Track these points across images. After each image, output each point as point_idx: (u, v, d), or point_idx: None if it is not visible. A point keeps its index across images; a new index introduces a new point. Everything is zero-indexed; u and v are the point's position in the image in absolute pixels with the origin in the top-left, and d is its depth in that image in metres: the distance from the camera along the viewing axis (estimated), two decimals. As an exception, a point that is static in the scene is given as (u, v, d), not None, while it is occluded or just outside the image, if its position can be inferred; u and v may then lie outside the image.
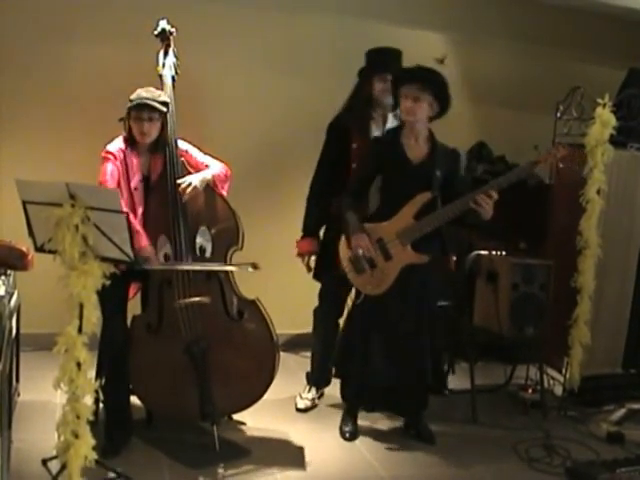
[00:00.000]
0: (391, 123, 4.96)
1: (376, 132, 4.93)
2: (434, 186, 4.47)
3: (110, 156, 4.30)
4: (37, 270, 4.36)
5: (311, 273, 5.10)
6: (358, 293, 4.64)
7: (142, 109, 4.28)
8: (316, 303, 5.16)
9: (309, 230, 5.08)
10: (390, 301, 4.52)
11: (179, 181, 4.38)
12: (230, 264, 4.44)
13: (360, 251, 4.49)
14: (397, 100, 4.55)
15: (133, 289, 4.53)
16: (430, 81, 4.44)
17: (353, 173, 4.78)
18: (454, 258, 5.24)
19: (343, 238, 4.60)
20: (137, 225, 4.22)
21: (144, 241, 4.22)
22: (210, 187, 4.46)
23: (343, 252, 4.60)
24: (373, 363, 4.60)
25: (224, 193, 4.53)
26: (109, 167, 4.28)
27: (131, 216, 4.12)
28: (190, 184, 4.37)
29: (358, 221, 4.53)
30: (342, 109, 5.01)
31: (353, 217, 4.54)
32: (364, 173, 4.67)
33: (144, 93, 4.31)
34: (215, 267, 4.40)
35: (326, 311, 5.13)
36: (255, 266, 4.24)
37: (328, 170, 5.01)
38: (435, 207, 4.52)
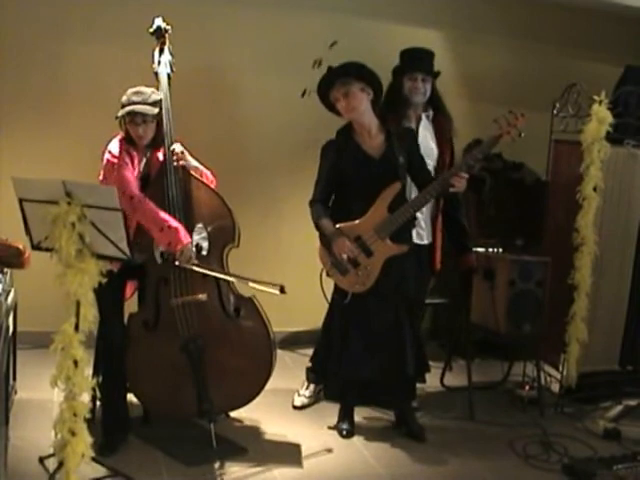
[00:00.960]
0: (424, 123, 4.98)
1: None
2: (401, 175, 4.49)
3: (119, 160, 4.29)
4: (34, 268, 4.36)
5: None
6: (343, 293, 4.61)
7: (134, 115, 4.28)
8: (312, 302, 5.14)
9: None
10: (369, 295, 4.53)
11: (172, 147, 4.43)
12: (256, 280, 4.26)
13: (344, 256, 4.49)
14: (336, 111, 4.56)
15: (130, 289, 4.53)
16: (348, 72, 4.44)
17: (316, 181, 4.71)
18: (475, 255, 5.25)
19: (320, 245, 4.60)
20: (174, 220, 4.23)
21: (188, 237, 4.23)
22: (206, 185, 4.47)
23: (324, 258, 4.60)
24: (353, 358, 4.61)
25: None
26: (127, 174, 4.27)
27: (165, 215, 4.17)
28: (182, 150, 4.43)
29: (333, 226, 4.52)
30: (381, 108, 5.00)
31: (328, 224, 4.53)
32: (326, 178, 4.63)
33: (134, 97, 4.29)
34: (244, 278, 4.32)
35: (337, 308, 5.11)
36: (283, 290, 4.10)
37: None
38: (404, 195, 4.54)
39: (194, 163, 4.49)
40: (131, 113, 4.27)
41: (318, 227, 4.59)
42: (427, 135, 4.99)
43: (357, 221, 4.50)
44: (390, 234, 4.47)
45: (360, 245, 4.49)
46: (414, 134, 4.77)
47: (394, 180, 4.46)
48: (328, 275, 4.60)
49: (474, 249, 5.29)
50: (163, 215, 4.21)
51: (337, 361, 4.68)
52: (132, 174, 4.30)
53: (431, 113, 5.02)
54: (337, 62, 4.54)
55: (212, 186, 4.53)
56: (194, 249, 4.31)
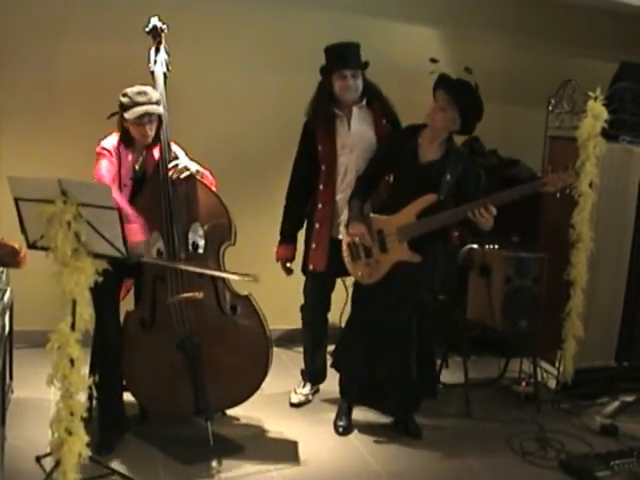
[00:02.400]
0: (357, 117, 4.88)
1: (341, 130, 4.87)
2: (442, 189, 4.45)
3: (106, 152, 4.30)
4: (30, 267, 4.35)
5: (291, 272, 5.16)
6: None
7: (143, 115, 4.26)
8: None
9: (284, 236, 5.11)
10: (377, 294, 4.55)
11: (172, 163, 4.38)
12: (229, 271, 4.40)
13: (356, 238, 4.53)
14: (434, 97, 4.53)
15: (125, 289, 4.52)
16: (458, 97, 4.42)
17: (370, 159, 4.75)
18: (456, 233, 5.23)
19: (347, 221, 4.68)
20: (135, 220, 4.18)
21: (139, 235, 4.17)
22: (203, 183, 4.46)
23: (344, 237, 4.67)
24: (360, 357, 4.63)
25: None
26: (105, 163, 4.28)
27: (129, 209, 4.12)
28: (185, 166, 4.38)
29: (361, 210, 4.60)
30: (308, 111, 4.95)
31: (356, 205, 4.61)
32: (375, 161, 4.70)
33: (139, 97, 4.25)
34: (214, 272, 4.38)
35: (312, 307, 5.14)
36: (256, 279, 4.19)
37: (300, 173, 5.02)
38: (439, 210, 4.48)
39: (194, 168, 4.47)
40: (143, 115, 4.25)
41: (349, 205, 4.69)
42: (362, 128, 4.90)
43: (386, 216, 4.53)
44: (409, 239, 4.47)
45: (379, 239, 4.53)
46: (472, 160, 4.73)
47: (434, 191, 4.45)
48: (342, 254, 4.67)
49: (470, 245, 5.31)
50: (129, 210, 4.15)
51: (347, 357, 4.71)
52: (111, 166, 4.28)
53: (364, 103, 4.90)
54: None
55: (211, 186, 4.52)
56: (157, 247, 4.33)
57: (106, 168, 4.26)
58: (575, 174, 4.48)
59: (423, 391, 4.79)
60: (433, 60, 4.89)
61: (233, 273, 4.35)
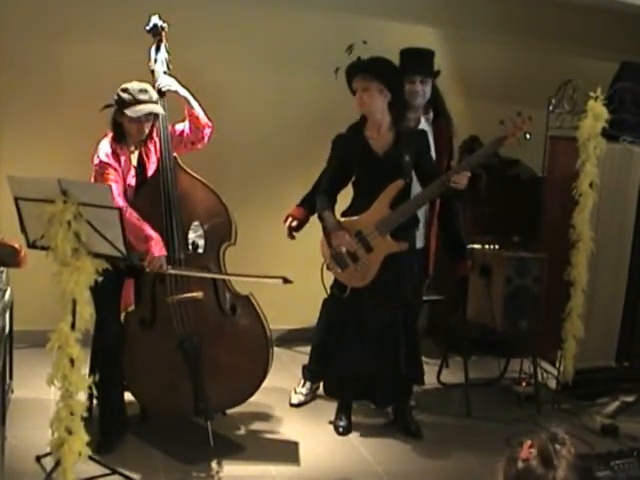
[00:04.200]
0: (423, 126, 4.90)
1: None
2: (405, 173, 4.47)
3: (110, 169, 4.23)
4: (30, 267, 4.35)
5: (292, 237, 5.11)
6: (342, 287, 4.63)
7: (145, 115, 4.25)
8: (309, 299, 5.14)
9: (303, 200, 5.08)
10: (367, 293, 4.55)
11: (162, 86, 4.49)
12: (258, 276, 4.41)
13: (343, 249, 4.51)
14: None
15: (124, 303, 4.50)
16: (371, 69, 4.44)
17: (322, 173, 4.80)
18: (470, 262, 5.22)
19: (322, 237, 4.62)
20: (153, 232, 4.18)
21: (161, 251, 4.18)
22: (202, 183, 4.45)
23: (324, 250, 4.63)
24: (350, 355, 4.62)
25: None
26: (115, 186, 4.14)
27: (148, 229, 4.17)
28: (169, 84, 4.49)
29: (335, 218, 4.57)
30: None
31: (330, 216, 4.57)
32: (331, 172, 4.68)
33: (141, 95, 4.21)
34: (243, 277, 4.39)
35: (336, 304, 5.10)
36: (287, 280, 4.18)
37: None
38: (408, 193, 4.53)
39: (183, 92, 4.51)
40: (147, 114, 4.24)
41: (320, 218, 4.63)
42: None
43: (358, 216, 4.52)
44: (391, 231, 4.47)
45: (360, 240, 4.50)
46: (425, 135, 4.72)
47: (398, 178, 4.46)
48: (328, 268, 4.62)
49: (471, 246, 5.30)
50: (143, 226, 4.17)
51: (334, 358, 4.69)
52: (118, 183, 4.23)
53: (431, 116, 4.96)
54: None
55: (206, 126, 4.54)
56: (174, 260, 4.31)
57: (117, 190, 4.15)
58: (528, 118, 4.46)
59: (411, 379, 4.79)
60: (364, 42, 4.96)
61: (263, 277, 4.38)
